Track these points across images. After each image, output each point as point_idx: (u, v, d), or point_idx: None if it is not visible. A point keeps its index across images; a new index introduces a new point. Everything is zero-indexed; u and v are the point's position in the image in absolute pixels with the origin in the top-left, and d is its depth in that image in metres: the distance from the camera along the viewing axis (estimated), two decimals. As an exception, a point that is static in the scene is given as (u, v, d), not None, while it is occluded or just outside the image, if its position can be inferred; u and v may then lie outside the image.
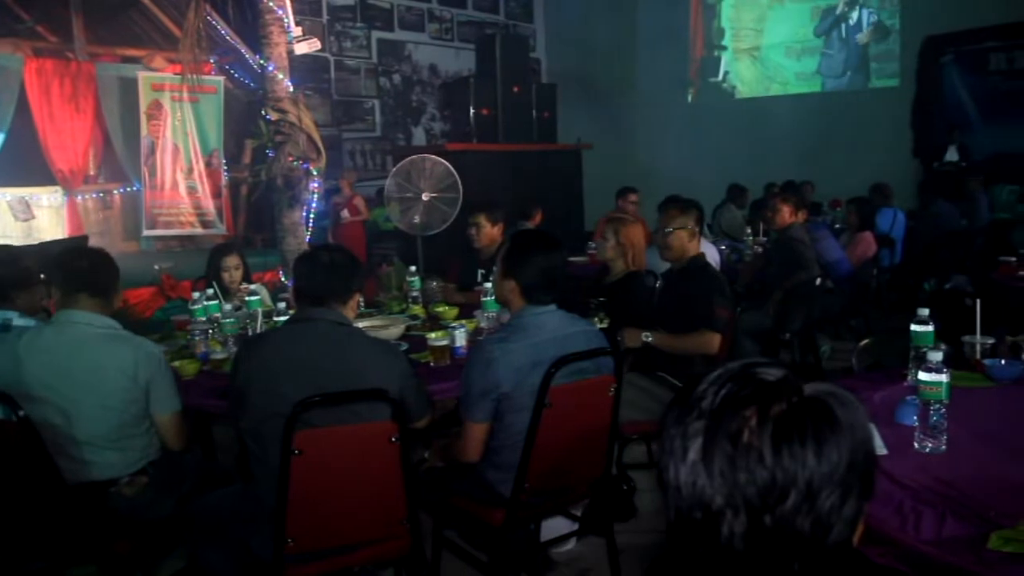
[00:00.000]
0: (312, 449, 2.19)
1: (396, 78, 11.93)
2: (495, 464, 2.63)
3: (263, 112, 5.63)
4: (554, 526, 3.11)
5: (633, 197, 7.08)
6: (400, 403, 2.33)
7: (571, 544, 3.28)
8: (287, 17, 5.52)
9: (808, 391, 0.90)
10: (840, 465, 0.87)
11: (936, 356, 2.02)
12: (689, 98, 13.52)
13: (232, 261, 4.45)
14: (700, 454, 0.88)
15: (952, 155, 10.38)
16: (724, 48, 13.28)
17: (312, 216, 6.01)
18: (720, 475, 0.87)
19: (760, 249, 6.34)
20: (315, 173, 5.67)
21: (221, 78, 9.42)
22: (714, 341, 3.41)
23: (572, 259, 6.44)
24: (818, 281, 5.11)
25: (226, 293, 4.19)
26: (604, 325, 3.67)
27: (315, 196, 5.80)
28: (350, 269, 2.51)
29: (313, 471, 2.21)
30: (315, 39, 5.77)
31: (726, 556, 0.88)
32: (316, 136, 5.62)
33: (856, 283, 5.98)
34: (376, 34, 11.62)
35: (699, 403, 0.91)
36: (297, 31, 5.60)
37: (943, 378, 2.00)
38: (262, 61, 5.64)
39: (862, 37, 12.07)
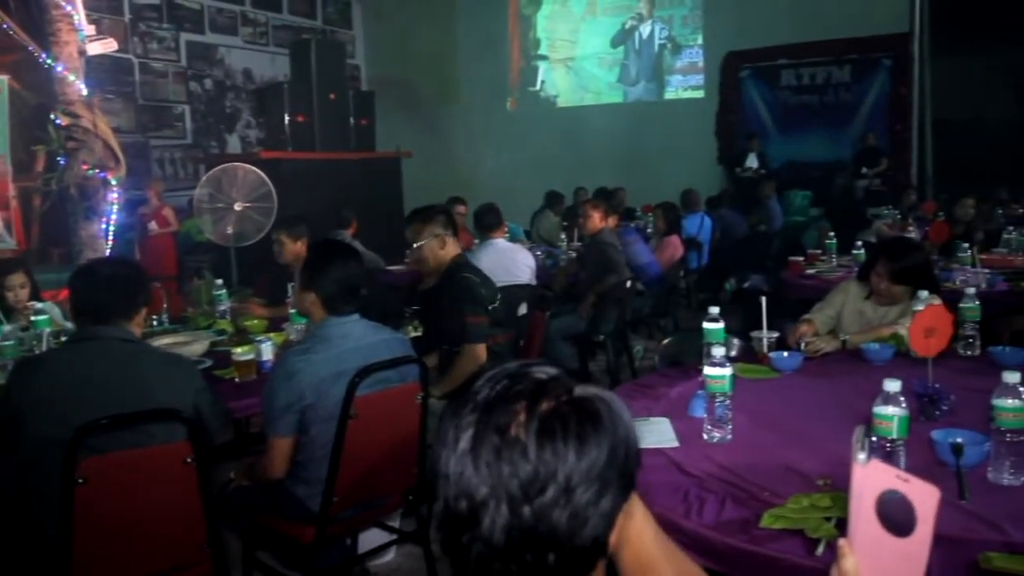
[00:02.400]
0: (99, 477, 2.04)
1: (208, 83, 11.43)
2: (303, 479, 2.57)
3: (52, 116, 5.22)
4: (372, 538, 3.07)
5: (461, 208, 7.14)
6: (195, 421, 2.22)
7: (390, 555, 3.26)
8: (77, 13, 5.14)
9: (577, 392, 0.95)
10: (599, 462, 0.91)
11: (719, 351, 2.13)
12: (509, 106, 13.79)
13: (16, 279, 4.09)
14: (470, 444, 0.91)
15: (752, 162, 11.16)
16: (542, 58, 13.66)
17: (112, 228, 5.64)
18: (486, 466, 0.89)
19: (574, 254, 6.53)
20: (114, 182, 5.32)
21: (5, 77, 8.66)
22: (477, 352, 3.33)
23: (391, 268, 6.42)
24: (628, 284, 5.33)
25: (10, 313, 3.86)
26: (418, 333, 3.66)
27: (114, 207, 5.44)
28: (134, 282, 2.37)
29: (100, 500, 2.06)
30: (110, 39, 5.42)
31: (486, 549, 0.90)
32: (113, 143, 5.28)
33: (665, 285, 6.28)
34: (185, 36, 11.08)
35: (475, 397, 0.95)
36: (90, 29, 5.23)
37: (726, 372, 2.12)
38: (50, 61, 5.23)
39: (658, 53, 12.82)
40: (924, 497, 0.84)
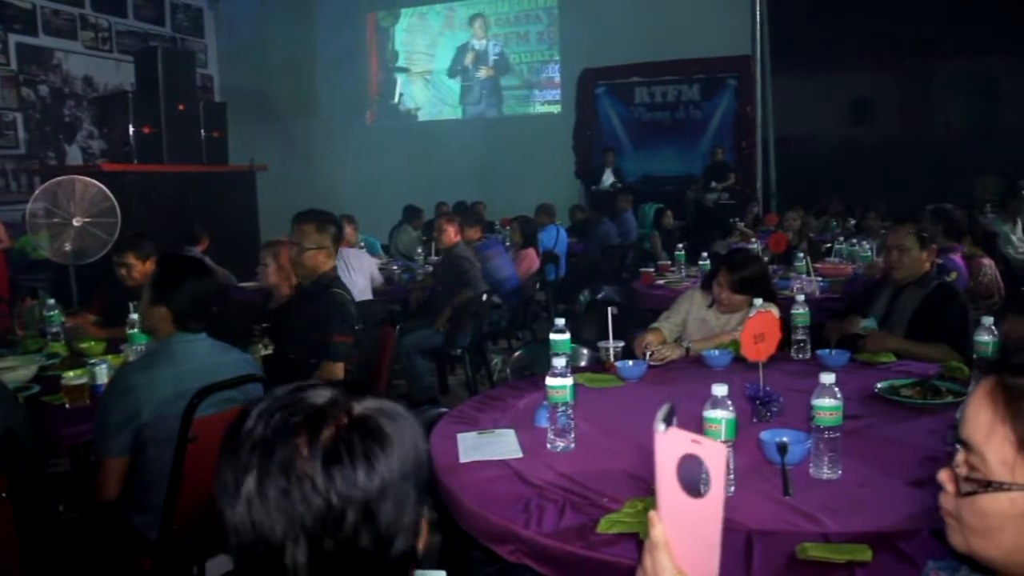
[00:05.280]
0: None
1: (43, 89, 10.73)
2: (141, 506, 2.45)
3: None
4: (221, 565, 2.95)
5: None
6: (7, 448, 2.06)
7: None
8: None
9: (357, 410, 0.92)
10: (392, 478, 0.89)
11: (560, 362, 2.17)
12: (367, 119, 13.67)
13: None
14: (255, 488, 0.87)
15: (608, 177, 11.49)
16: (402, 70, 13.62)
17: (-70, 245, 5.20)
18: (276, 508, 0.86)
19: (431, 268, 6.53)
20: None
21: None
22: (335, 370, 3.32)
23: (243, 285, 6.22)
24: (485, 297, 5.36)
25: None
26: (269, 351, 3.56)
27: (-69, 222, 5.02)
28: None
29: None
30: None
31: None
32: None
33: (521, 297, 6.36)
34: (15, 38, 10.34)
35: (251, 435, 0.90)
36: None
37: (567, 382, 2.16)
38: None
39: (487, 70, 13.07)
40: (714, 455, 0.88)
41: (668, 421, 0.91)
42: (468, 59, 13.10)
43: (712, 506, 0.89)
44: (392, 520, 0.89)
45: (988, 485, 0.96)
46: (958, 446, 1.01)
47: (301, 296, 3.62)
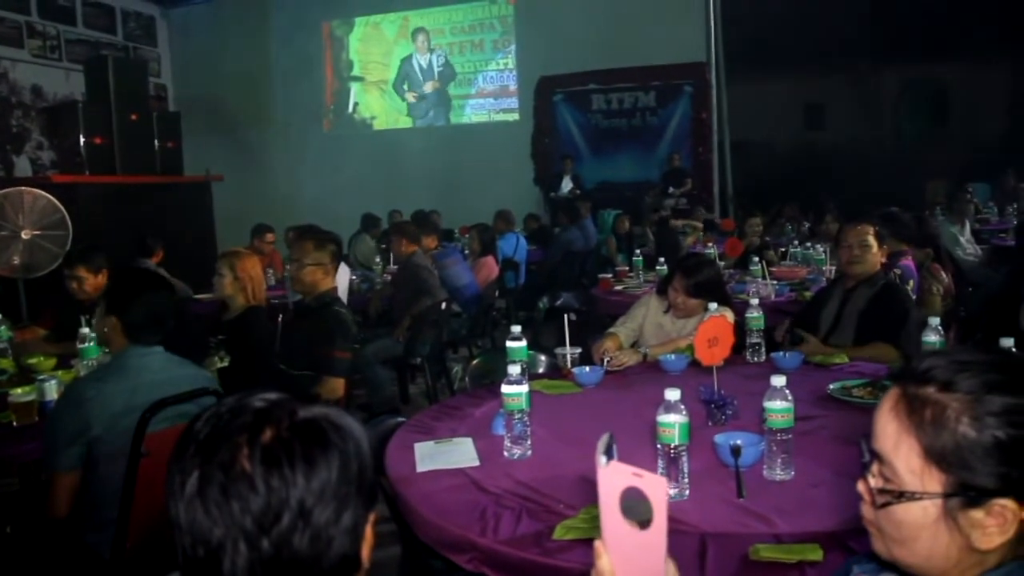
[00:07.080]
0: None
1: (-11, 98, 10.54)
2: (95, 524, 2.40)
3: None
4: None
5: (270, 237, 6.97)
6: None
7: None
8: None
9: (301, 415, 0.94)
10: (331, 480, 0.91)
11: (515, 370, 2.17)
12: (324, 128, 13.59)
13: None
14: (196, 488, 0.89)
15: (567, 184, 11.54)
16: (358, 79, 13.56)
17: None
18: (216, 506, 0.87)
19: (389, 277, 6.51)
20: None
21: None
22: (337, 385, 3.32)
23: (199, 296, 6.14)
24: (444, 305, 5.35)
25: None
26: (225, 364, 3.52)
27: None
28: None
29: None
30: None
31: None
32: None
33: (481, 305, 6.36)
34: (-43, 46, 10.17)
35: (196, 437, 0.92)
36: None
37: (522, 389, 2.16)
38: None
39: (433, 83, 13.13)
40: (655, 488, 0.89)
41: (608, 453, 0.93)
42: (412, 74, 13.13)
43: (655, 537, 0.90)
44: (329, 523, 0.90)
45: (901, 495, 0.98)
46: (873, 457, 1.03)
47: (301, 312, 3.64)
